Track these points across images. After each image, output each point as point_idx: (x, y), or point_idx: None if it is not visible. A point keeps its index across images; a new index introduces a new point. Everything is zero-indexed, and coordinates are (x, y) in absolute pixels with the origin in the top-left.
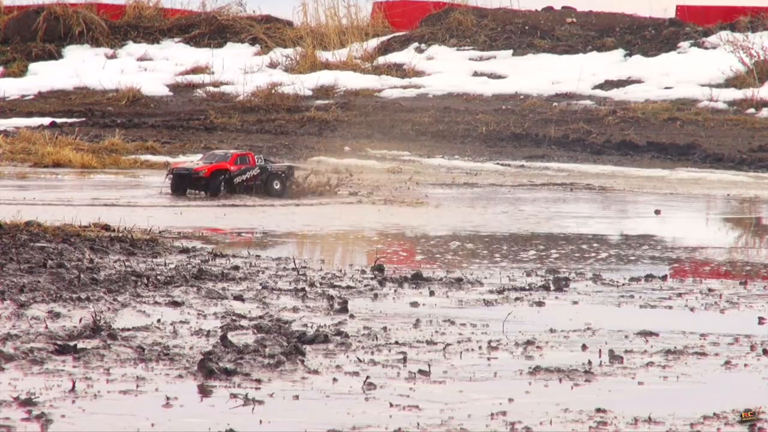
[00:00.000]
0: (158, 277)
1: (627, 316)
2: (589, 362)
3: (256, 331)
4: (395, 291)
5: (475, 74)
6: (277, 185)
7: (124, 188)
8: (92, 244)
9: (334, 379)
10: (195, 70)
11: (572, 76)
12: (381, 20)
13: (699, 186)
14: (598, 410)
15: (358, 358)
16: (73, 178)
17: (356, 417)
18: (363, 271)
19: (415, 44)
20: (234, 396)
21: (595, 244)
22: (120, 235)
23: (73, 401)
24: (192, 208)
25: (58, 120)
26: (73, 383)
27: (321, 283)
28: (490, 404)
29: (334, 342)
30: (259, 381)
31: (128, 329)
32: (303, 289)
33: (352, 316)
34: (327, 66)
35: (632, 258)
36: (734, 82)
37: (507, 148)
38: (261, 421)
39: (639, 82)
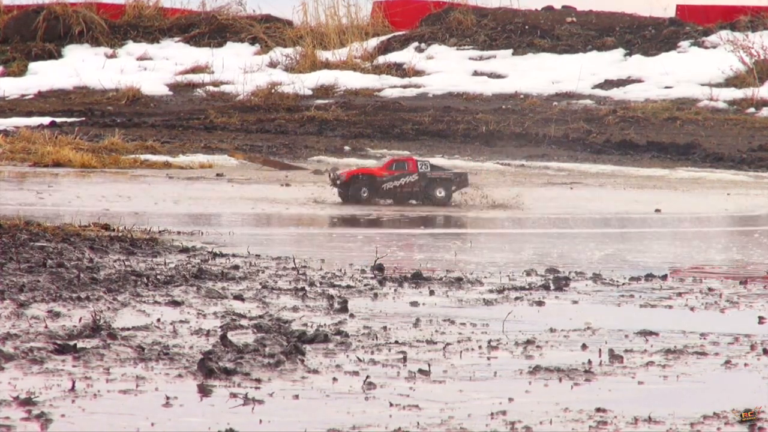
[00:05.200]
0: (158, 277)
1: (627, 316)
2: (589, 362)
3: (255, 330)
4: (395, 290)
5: (475, 74)
6: (440, 193)
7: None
8: (92, 244)
9: (334, 379)
10: (195, 70)
11: (572, 76)
12: (381, 20)
13: (699, 185)
14: (598, 410)
15: (358, 358)
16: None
17: (356, 416)
18: (363, 271)
19: (415, 44)
20: (234, 395)
21: (592, 243)
22: (120, 234)
23: (73, 401)
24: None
25: (58, 119)
26: (73, 383)
27: (321, 283)
28: (490, 404)
29: (334, 341)
30: (259, 380)
31: (128, 329)
32: (303, 289)
33: (352, 316)
34: (327, 65)
35: (631, 258)
36: (734, 81)
37: (507, 147)
38: (261, 421)
39: (639, 81)
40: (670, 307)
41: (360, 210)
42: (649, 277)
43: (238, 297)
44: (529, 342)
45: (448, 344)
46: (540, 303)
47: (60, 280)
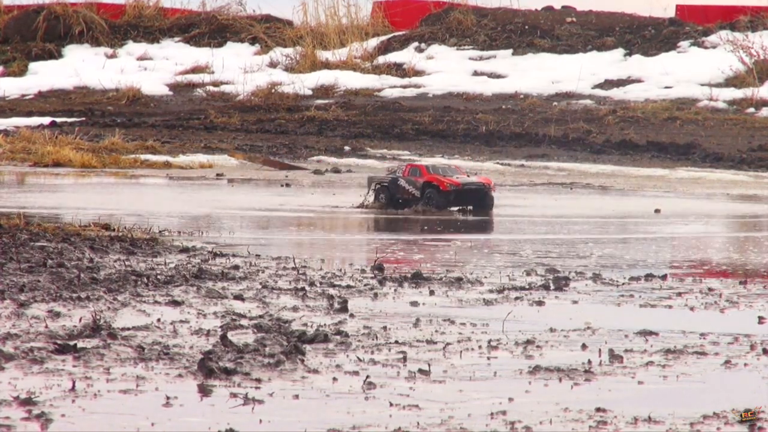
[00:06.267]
0: (158, 277)
1: (627, 316)
2: (589, 362)
3: (256, 330)
4: (395, 290)
5: (475, 74)
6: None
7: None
8: (92, 244)
9: (334, 379)
10: (195, 70)
11: (572, 76)
12: (381, 20)
13: (699, 185)
14: (598, 409)
15: (358, 358)
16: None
17: (356, 416)
18: (363, 271)
19: (415, 44)
20: (234, 395)
21: (590, 243)
22: (120, 234)
23: (73, 401)
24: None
25: (58, 119)
26: (73, 383)
27: (321, 283)
28: (490, 404)
29: (334, 341)
30: (259, 380)
31: (128, 328)
32: (303, 289)
33: (352, 316)
34: (327, 65)
35: (631, 257)
36: (734, 81)
37: (507, 147)
38: (261, 421)
39: (639, 81)
40: (670, 307)
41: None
42: (649, 277)
43: (238, 297)
44: (529, 342)
45: (448, 344)
46: (540, 303)
47: (60, 280)
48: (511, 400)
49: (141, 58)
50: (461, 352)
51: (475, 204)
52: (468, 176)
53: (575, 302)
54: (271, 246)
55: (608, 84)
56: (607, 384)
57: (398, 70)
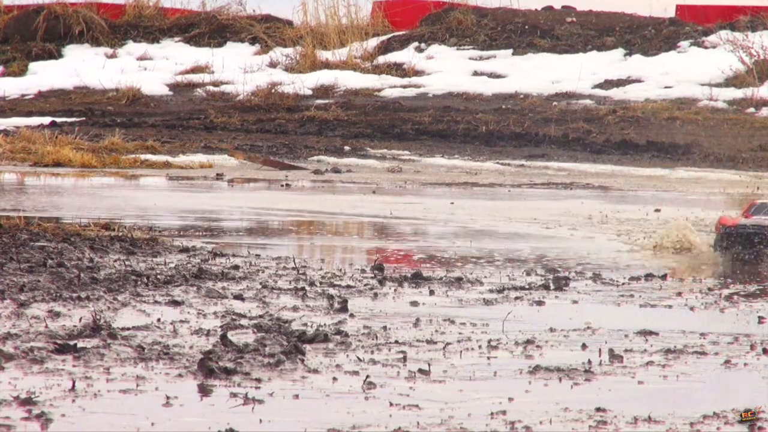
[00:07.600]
0: (158, 277)
1: (627, 316)
2: (589, 361)
3: (256, 330)
4: (395, 290)
5: (475, 73)
6: None
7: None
8: (92, 244)
9: (334, 379)
10: (195, 70)
11: (572, 76)
12: (381, 20)
13: (699, 185)
14: (598, 409)
15: (358, 358)
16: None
17: (356, 416)
18: (363, 271)
19: (415, 44)
20: (234, 395)
21: (591, 243)
22: (120, 234)
23: (73, 400)
24: None
25: (58, 119)
26: (73, 382)
27: (321, 283)
28: (490, 403)
29: (334, 341)
30: (259, 380)
31: (128, 328)
32: (303, 289)
33: (352, 316)
34: (327, 65)
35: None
36: (734, 81)
37: (507, 147)
38: (261, 421)
39: (639, 81)
40: (670, 306)
41: None
42: (649, 277)
43: (238, 297)
44: (529, 342)
45: (448, 344)
46: (540, 303)
47: (60, 279)
48: (511, 400)
49: (141, 58)
50: (461, 352)
51: (751, 251)
52: None
53: (575, 302)
54: None
55: (608, 84)
56: (607, 384)
57: (398, 70)
